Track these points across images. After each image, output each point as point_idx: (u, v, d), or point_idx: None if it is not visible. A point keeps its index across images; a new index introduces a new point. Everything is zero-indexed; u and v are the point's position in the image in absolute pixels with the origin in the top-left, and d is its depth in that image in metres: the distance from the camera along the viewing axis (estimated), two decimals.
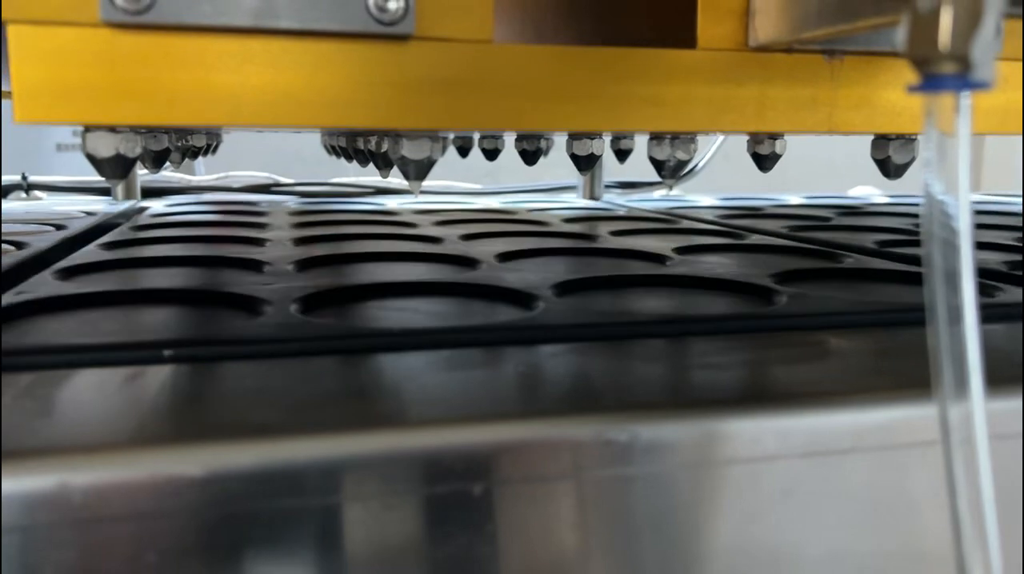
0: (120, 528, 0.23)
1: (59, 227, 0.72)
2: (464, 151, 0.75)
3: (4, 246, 0.58)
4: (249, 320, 0.38)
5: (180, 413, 0.27)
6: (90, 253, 0.57)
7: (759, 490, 0.27)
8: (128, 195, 1.04)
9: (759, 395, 0.30)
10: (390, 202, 1.01)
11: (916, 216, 0.83)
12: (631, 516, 0.26)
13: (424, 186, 0.41)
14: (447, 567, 0.25)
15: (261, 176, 1.13)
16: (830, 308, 0.41)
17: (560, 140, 0.63)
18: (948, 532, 0.22)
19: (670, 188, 1.15)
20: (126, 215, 0.88)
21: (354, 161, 0.75)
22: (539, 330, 0.37)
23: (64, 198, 1.06)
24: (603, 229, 0.73)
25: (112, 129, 0.32)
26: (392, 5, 0.29)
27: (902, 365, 0.33)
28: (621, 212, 0.93)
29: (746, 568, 0.27)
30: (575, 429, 0.26)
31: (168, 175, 1.10)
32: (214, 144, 0.85)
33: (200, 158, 0.90)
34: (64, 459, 0.23)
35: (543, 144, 0.65)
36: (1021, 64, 0.36)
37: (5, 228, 0.70)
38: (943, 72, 0.20)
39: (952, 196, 0.21)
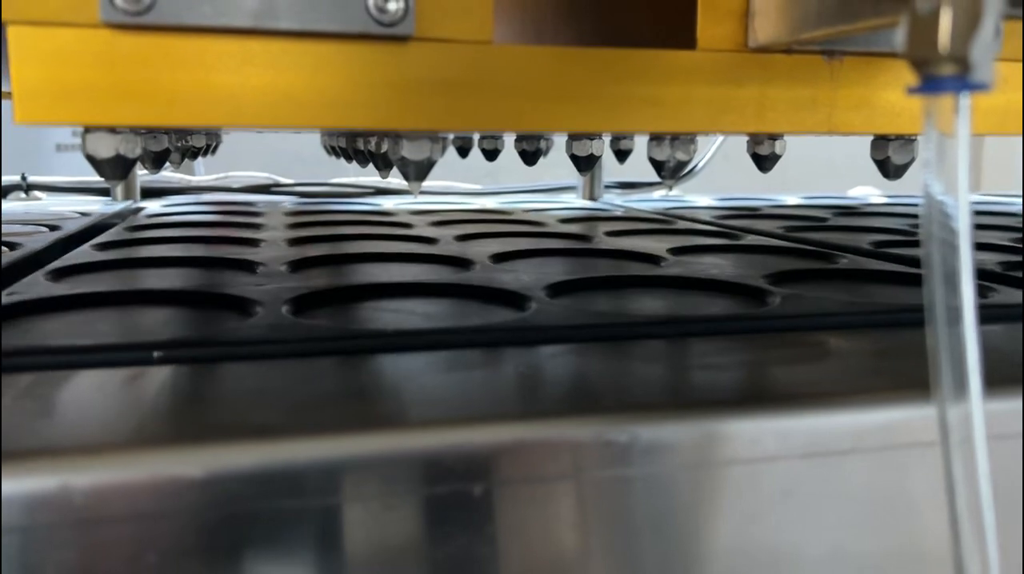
0: (120, 529, 0.23)
1: (53, 228, 0.72)
2: (464, 151, 0.75)
3: None
4: (240, 321, 0.38)
5: (179, 414, 0.27)
6: (83, 254, 0.57)
7: (759, 491, 0.27)
8: (128, 195, 1.04)
9: (759, 396, 0.30)
10: (386, 202, 1.01)
11: (913, 217, 0.83)
12: (631, 517, 0.26)
13: (424, 186, 0.41)
14: (447, 568, 0.25)
15: (260, 176, 1.13)
16: (823, 309, 0.41)
17: (560, 140, 0.63)
18: (947, 532, 0.22)
19: (669, 189, 1.15)
20: (121, 216, 0.88)
21: (354, 162, 0.75)
22: (532, 331, 0.37)
23: (63, 198, 1.06)
24: (599, 230, 0.73)
25: (112, 130, 0.32)
26: (392, 6, 0.29)
27: (901, 366, 0.33)
28: (618, 213, 0.93)
29: (746, 569, 0.27)
30: (575, 430, 0.26)
31: (168, 175, 1.10)
32: (214, 144, 0.85)
33: (200, 158, 0.90)
34: (65, 460, 0.23)
35: (543, 145, 0.65)
36: (1020, 65, 0.36)
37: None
38: (942, 74, 0.20)
39: (951, 197, 0.21)
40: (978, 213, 0.83)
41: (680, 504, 0.26)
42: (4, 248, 0.59)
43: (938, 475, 0.22)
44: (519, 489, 0.25)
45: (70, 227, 0.73)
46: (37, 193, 1.07)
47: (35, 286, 0.44)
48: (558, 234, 0.70)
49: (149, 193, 1.07)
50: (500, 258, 0.55)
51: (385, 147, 0.51)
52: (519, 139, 0.66)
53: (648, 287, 0.48)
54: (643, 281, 0.49)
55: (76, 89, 0.28)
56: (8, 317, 0.38)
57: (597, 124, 0.35)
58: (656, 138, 0.43)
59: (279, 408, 0.27)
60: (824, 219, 0.84)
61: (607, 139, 0.61)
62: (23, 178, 1.06)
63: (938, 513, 0.22)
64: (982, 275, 0.47)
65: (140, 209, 0.94)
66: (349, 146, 0.72)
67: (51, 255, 0.56)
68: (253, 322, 0.37)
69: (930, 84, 0.21)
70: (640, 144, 0.50)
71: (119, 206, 0.96)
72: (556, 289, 0.44)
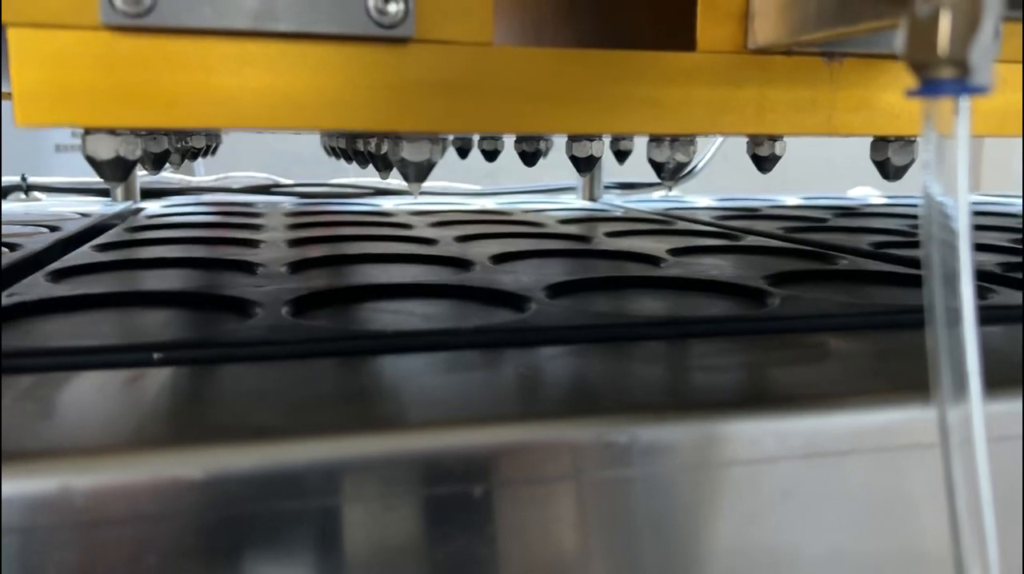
0: (121, 530, 0.23)
1: (53, 229, 0.72)
2: (464, 152, 0.75)
3: None
4: (240, 322, 0.38)
5: (179, 415, 0.27)
6: (83, 255, 0.57)
7: (759, 491, 0.27)
8: (127, 196, 1.04)
9: (758, 397, 0.30)
10: (386, 203, 1.01)
11: (912, 217, 0.84)
12: (631, 518, 0.26)
13: (423, 187, 0.41)
14: (447, 569, 0.25)
15: (260, 177, 1.13)
16: (823, 310, 0.41)
17: (560, 141, 0.63)
18: (947, 534, 0.22)
19: (669, 189, 1.15)
20: (121, 216, 0.88)
21: (353, 163, 0.75)
22: (531, 332, 0.37)
23: (63, 199, 1.06)
24: (599, 230, 0.73)
25: (112, 131, 0.32)
26: (392, 8, 0.29)
27: (900, 367, 0.33)
28: (617, 213, 0.93)
29: (746, 569, 0.27)
30: (575, 431, 0.26)
31: (167, 176, 1.10)
32: (213, 145, 0.85)
33: (199, 159, 0.90)
34: (65, 462, 0.23)
35: (542, 146, 0.65)
36: (1020, 66, 0.36)
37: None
38: (942, 76, 0.21)
39: (951, 198, 0.21)
40: (978, 214, 0.83)
41: (680, 505, 0.26)
42: (4, 249, 0.59)
43: (938, 477, 0.22)
44: (519, 490, 0.25)
45: (70, 228, 0.73)
46: (37, 194, 1.07)
47: (35, 287, 0.44)
48: (558, 235, 0.70)
49: (149, 194, 1.07)
50: (500, 259, 0.55)
51: (385, 148, 0.51)
52: (519, 140, 0.66)
53: (648, 288, 0.48)
54: (643, 282, 0.49)
55: (76, 91, 0.28)
56: (8, 318, 0.38)
57: (597, 125, 0.35)
58: (656, 139, 0.44)
59: (279, 409, 0.27)
60: (824, 220, 0.84)
61: (607, 140, 0.61)
62: (23, 179, 1.06)
63: (938, 515, 0.22)
64: (982, 276, 0.47)
65: (140, 210, 0.94)
66: (349, 147, 0.72)
67: (51, 256, 0.56)
68: (253, 323, 0.37)
69: (929, 87, 0.21)
70: (640, 144, 0.50)
71: (119, 207, 0.96)
72: (556, 290, 0.44)
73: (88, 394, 0.29)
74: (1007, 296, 0.44)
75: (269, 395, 0.29)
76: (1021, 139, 0.40)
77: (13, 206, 0.99)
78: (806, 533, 0.27)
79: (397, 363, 0.33)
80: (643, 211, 0.95)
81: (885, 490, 0.28)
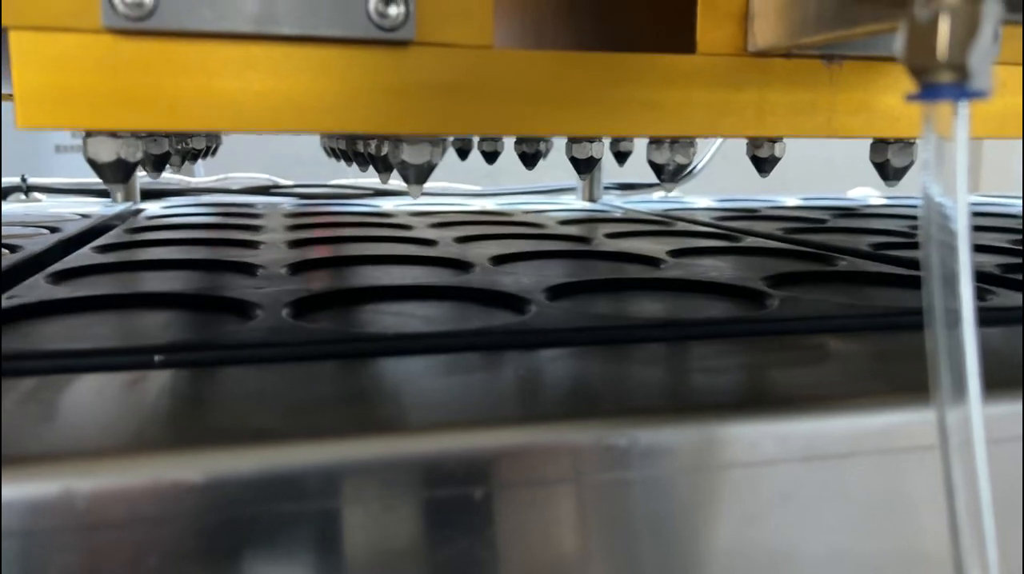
0: (121, 533, 0.23)
1: (54, 230, 0.72)
2: (464, 153, 0.75)
3: None
4: (240, 324, 0.38)
5: (180, 418, 0.27)
6: (84, 256, 0.57)
7: (758, 494, 0.27)
8: (127, 197, 1.04)
9: (758, 399, 0.30)
10: (386, 204, 1.01)
11: (912, 218, 0.84)
12: (631, 520, 0.26)
13: (423, 187, 0.41)
14: (448, 572, 0.25)
15: (260, 178, 1.13)
16: (822, 312, 0.41)
17: (560, 142, 0.63)
18: (946, 536, 0.22)
19: (669, 190, 1.15)
20: (121, 217, 0.88)
21: (353, 164, 0.75)
22: (531, 334, 0.37)
23: (63, 200, 1.06)
24: (599, 231, 0.73)
25: (113, 134, 0.32)
26: (393, 11, 0.29)
27: (900, 369, 0.33)
28: (617, 214, 0.93)
29: (745, 572, 0.27)
30: (575, 434, 0.26)
31: (167, 177, 1.10)
32: (214, 146, 0.85)
33: (200, 160, 0.90)
34: (66, 465, 0.23)
35: (542, 147, 0.65)
36: (1019, 69, 0.36)
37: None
38: (941, 81, 0.21)
39: (951, 199, 0.21)
40: (977, 214, 0.84)
41: (680, 507, 0.27)
42: (5, 250, 0.59)
43: (937, 479, 0.22)
44: (519, 493, 0.25)
45: (70, 229, 0.73)
46: (37, 195, 1.07)
47: (36, 289, 0.44)
48: (558, 236, 0.70)
49: (149, 195, 1.07)
50: (500, 260, 0.55)
51: (385, 150, 0.51)
52: (519, 141, 0.66)
53: (648, 290, 0.48)
54: (643, 284, 0.49)
55: (78, 94, 0.28)
56: (9, 320, 0.38)
57: (597, 128, 0.35)
58: (656, 141, 0.44)
59: (279, 412, 0.27)
60: (823, 221, 0.84)
61: (607, 142, 0.61)
62: (23, 179, 1.06)
63: (937, 517, 0.22)
64: (981, 278, 0.47)
65: (140, 211, 0.94)
66: (349, 149, 0.72)
67: (51, 257, 0.56)
68: (253, 325, 0.37)
69: (929, 92, 0.21)
70: (640, 145, 0.50)
71: (119, 208, 0.96)
72: (556, 292, 0.44)
73: (89, 397, 0.29)
74: (1006, 297, 0.44)
75: (269, 397, 0.29)
76: (1021, 140, 0.40)
77: (13, 207, 0.99)
78: (806, 536, 0.27)
79: (397, 365, 0.33)
80: (643, 212, 0.95)
81: (885, 492, 0.28)
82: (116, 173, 0.33)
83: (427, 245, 0.63)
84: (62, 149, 1.65)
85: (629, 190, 1.18)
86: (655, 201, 1.12)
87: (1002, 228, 0.74)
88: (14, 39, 0.28)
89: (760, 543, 0.27)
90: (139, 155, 0.33)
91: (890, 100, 0.37)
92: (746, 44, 0.34)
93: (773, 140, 0.47)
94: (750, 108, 0.35)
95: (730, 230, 0.75)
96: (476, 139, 0.72)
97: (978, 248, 0.21)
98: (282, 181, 1.13)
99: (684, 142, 0.42)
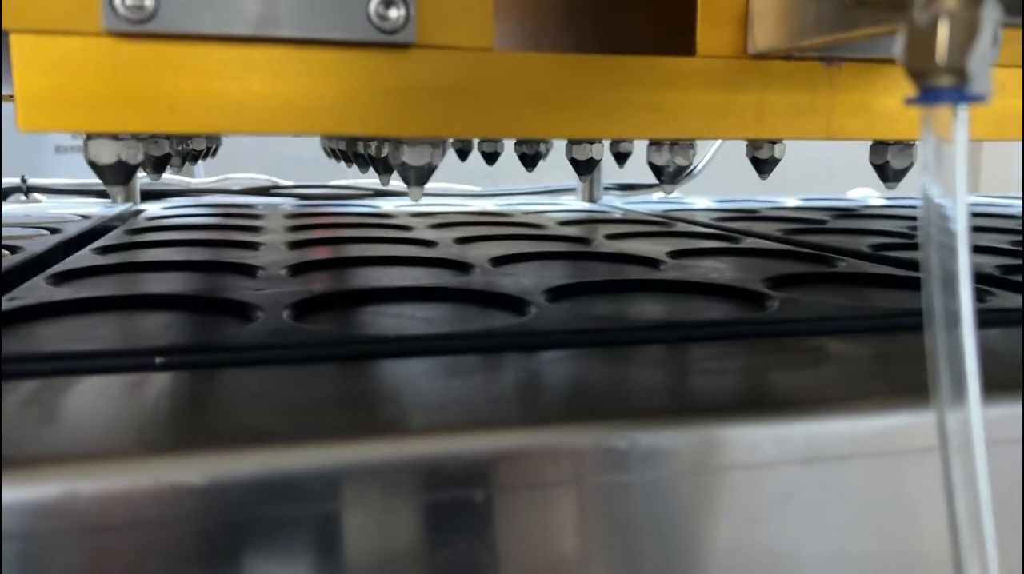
0: (123, 535, 0.23)
1: (54, 231, 0.72)
2: (463, 154, 0.75)
3: None
4: (241, 326, 0.38)
5: (181, 420, 0.27)
6: (84, 258, 0.57)
7: (758, 496, 0.27)
8: (127, 198, 1.04)
9: (758, 401, 0.30)
10: (386, 204, 1.01)
11: (911, 219, 0.84)
12: (631, 523, 0.26)
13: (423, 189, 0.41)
14: None
15: (260, 179, 1.13)
16: (822, 313, 0.41)
17: (560, 143, 0.63)
18: (946, 538, 0.22)
19: (668, 191, 1.15)
20: (122, 218, 0.88)
21: (353, 165, 0.75)
22: (532, 336, 0.37)
23: (63, 201, 1.06)
24: (599, 232, 0.73)
25: (114, 136, 0.32)
26: (393, 13, 0.29)
27: (899, 370, 0.33)
28: (617, 215, 0.93)
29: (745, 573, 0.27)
30: (575, 436, 0.26)
31: (167, 178, 1.10)
32: (214, 147, 0.85)
33: (200, 161, 0.90)
34: (67, 467, 0.23)
35: (542, 148, 0.65)
36: (1019, 71, 0.36)
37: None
38: (940, 84, 0.21)
39: (950, 201, 0.21)
40: (977, 215, 0.84)
41: (679, 509, 0.27)
42: (5, 251, 0.59)
43: (937, 480, 0.22)
44: (519, 495, 0.25)
45: (70, 230, 0.73)
46: (37, 195, 1.07)
47: (36, 291, 0.44)
48: (557, 237, 0.70)
49: (149, 195, 1.07)
50: (500, 261, 0.55)
51: (385, 151, 0.51)
52: (519, 143, 0.66)
53: (647, 291, 0.48)
54: (642, 285, 0.50)
55: (79, 97, 0.28)
56: (9, 322, 0.38)
57: (597, 130, 0.35)
58: (655, 143, 0.44)
59: (280, 414, 0.27)
60: (823, 222, 0.84)
61: (607, 143, 0.61)
62: (23, 180, 1.06)
63: (937, 518, 0.22)
64: (980, 279, 0.47)
65: (140, 212, 0.94)
66: (349, 150, 0.72)
67: (52, 259, 0.57)
68: (254, 327, 0.37)
69: (928, 95, 0.21)
70: (640, 146, 0.50)
71: (119, 208, 0.96)
72: (556, 293, 0.44)
73: (90, 399, 0.29)
74: (1006, 299, 0.44)
75: (270, 400, 0.29)
76: (1021, 143, 0.40)
77: (13, 208, 0.99)
78: (805, 538, 0.27)
79: (398, 367, 0.33)
80: (642, 213, 0.95)
81: (884, 494, 0.28)
82: (117, 175, 0.33)
83: (427, 246, 0.63)
84: (62, 150, 1.65)
85: (629, 191, 1.19)
86: (655, 202, 1.12)
87: (1002, 229, 0.74)
88: (15, 42, 0.28)
89: (760, 545, 0.27)
90: (140, 157, 0.33)
91: (889, 102, 0.37)
92: (746, 46, 0.35)
93: (773, 142, 0.47)
94: (750, 110, 0.35)
95: (730, 231, 0.75)
96: (476, 140, 0.72)
97: (977, 249, 0.21)
98: (282, 182, 1.13)
99: (684, 144, 0.42)
